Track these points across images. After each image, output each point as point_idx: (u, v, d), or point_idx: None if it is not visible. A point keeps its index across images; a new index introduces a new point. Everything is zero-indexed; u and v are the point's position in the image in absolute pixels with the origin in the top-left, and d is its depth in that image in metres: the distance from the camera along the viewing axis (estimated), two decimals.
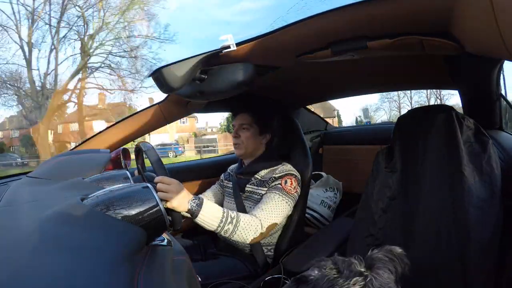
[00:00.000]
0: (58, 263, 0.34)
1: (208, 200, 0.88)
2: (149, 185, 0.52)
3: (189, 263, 0.58)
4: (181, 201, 0.78)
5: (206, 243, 1.22)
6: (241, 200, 1.13)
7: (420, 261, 0.84)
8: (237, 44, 0.73)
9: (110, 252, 0.37)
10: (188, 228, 1.33)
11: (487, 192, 0.81)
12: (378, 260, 0.52)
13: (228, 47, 0.73)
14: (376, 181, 1.05)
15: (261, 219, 0.95)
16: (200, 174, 1.60)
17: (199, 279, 0.77)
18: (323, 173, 1.81)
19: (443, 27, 0.58)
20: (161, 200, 0.73)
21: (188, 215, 0.84)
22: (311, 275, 0.54)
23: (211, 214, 0.86)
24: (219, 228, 0.87)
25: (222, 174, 1.31)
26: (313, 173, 1.33)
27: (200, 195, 0.93)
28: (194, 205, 0.83)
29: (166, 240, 0.56)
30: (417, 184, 0.92)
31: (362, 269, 0.51)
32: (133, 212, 0.46)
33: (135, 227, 0.44)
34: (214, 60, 0.79)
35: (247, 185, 1.14)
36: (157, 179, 0.77)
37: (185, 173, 1.56)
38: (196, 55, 0.74)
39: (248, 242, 0.93)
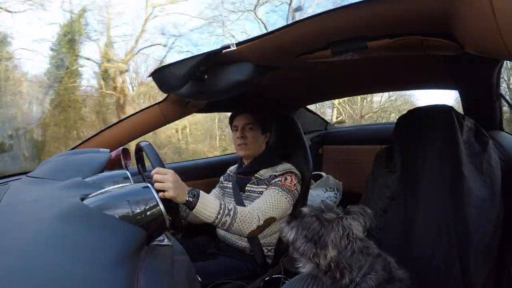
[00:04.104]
0: (58, 262, 0.34)
1: (205, 193, 0.88)
2: (149, 185, 0.52)
3: (189, 263, 0.58)
4: (178, 191, 0.77)
5: (206, 243, 1.22)
6: (241, 199, 1.13)
7: (420, 261, 0.84)
8: (237, 44, 0.73)
9: (110, 252, 0.37)
10: (188, 228, 1.33)
11: (487, 192, 0.81)
12: (353, 212, 0.70)
13: (228, 47, 0.73)
14: (376, 181, 1.05)
15: (259, 212, 0.95)
16: (200, 175, 1.60)
17: (199, 279, 0.77)
18: (323, 173, 1.81)
19: (443, 27, 0.58)
20: (158, 191, 0.73)
21: (186, 209, 0.83)
22: (302, 210, 0.74)
23: (208, 206, 0.85)
24: (217, 220, 0.86)
25: (222, 176, 1.31)
26: (313, 173, 1.33)
27: None
28: (191, 196, 0.82)
29: (166, 240, 0.56)
30: (417, 184, 0.92)
31: (339, 211, 0.71)
32: (133, 212, 0.46)
33: (135, 227, 0.44)
34: (214, 60, 0.79)
35: (247, 185, 1.14)
36: (153, 171, 0.77)
37: (185, 173, 1.55)
38: (196, 55, 0.74)
39: (246, 234, 0.92)
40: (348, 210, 0.72)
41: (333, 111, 8.57)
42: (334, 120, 8.06)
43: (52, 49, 6.59)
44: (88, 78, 7.23)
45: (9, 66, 6.30)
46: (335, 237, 0.66)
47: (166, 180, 0.75)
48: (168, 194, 0.74)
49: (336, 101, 8.23)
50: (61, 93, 6.52)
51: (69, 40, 6.60)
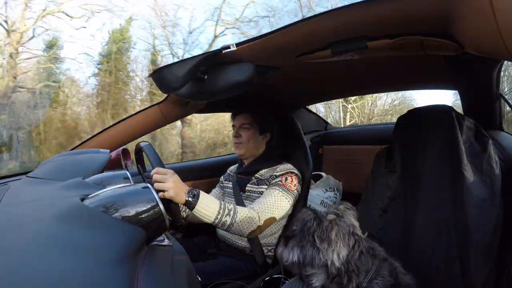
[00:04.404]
0: (58, 262, 0.34)
1: (205, 193, 0.88)
2: (149, 185, 0.52)
3: (189, 263, 0.58)
4: (178, 191, 0.77)
5: (206, 243, 1.22)
6: (241, 199, 1.13)
7: (420, 261, 0.84)
8: (237, 44, 0.73)
9: (110, 252, 0.37)
10: (188, 228, 1.33)
11: (487, 192, 0.81)
12: (343, 210, 0.71)
13: (228, 47, 0.73)
14: (376, 181, 1.05)
15: (259, 212, 0.95)
16: (200, 175, 1.60)
17: (199, 279, 0.77)
18: (323, 173, 1.80)
19: (443, 27, 0.58)
20: (158, 191, 0.73)
21: (186, 209, 0.83)
22: (294, 229, 0.70)
23: (208, 206, 0.85)
24: (217, 221, 0.86)
25: (222, 176, 1.31)
26: (313, 173, 1.33)
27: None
28: (191, 196, 0.82)
29: (166, 240, 0.56)
30: (417, 184, 0.92)
31: (336, 210, 0.71)
32: (133, 212, 0.46)
33: (135, 227, 0.44)
34: (214, 60, 0.79)
35: (248, 185, 1.14)
36: (153, 171, 0.77)
37: (185, 174, 1.56)
38: (196, 55, 0.74)
39: (246, 235, 0.92)
40: (339, 210, 0.70)
41: (346, 115, 9.27)
42: (348, 123, 8.65)
43: (101, 55, 6.93)
44: (137, 83, 7.49)
45: (61, 69, 6.48)
46: (342, 234, 0.64)
47: (166, 180, 0.76)
48: (168, 194, 0.74)
49: (349, 106, 8.85)
50: (116, 96, 6.75)
51: (119, 47, 6.87)
